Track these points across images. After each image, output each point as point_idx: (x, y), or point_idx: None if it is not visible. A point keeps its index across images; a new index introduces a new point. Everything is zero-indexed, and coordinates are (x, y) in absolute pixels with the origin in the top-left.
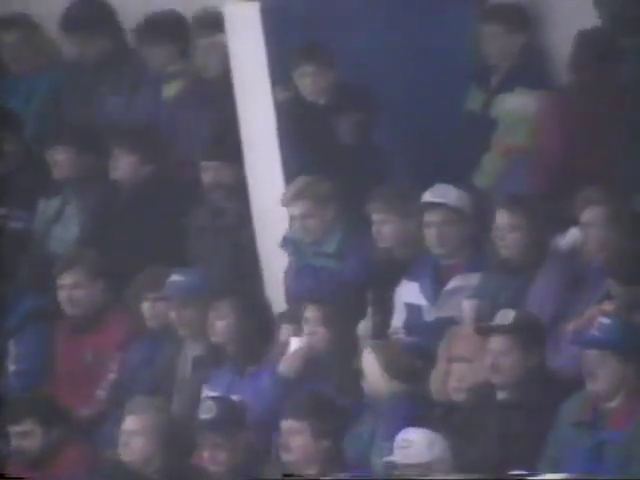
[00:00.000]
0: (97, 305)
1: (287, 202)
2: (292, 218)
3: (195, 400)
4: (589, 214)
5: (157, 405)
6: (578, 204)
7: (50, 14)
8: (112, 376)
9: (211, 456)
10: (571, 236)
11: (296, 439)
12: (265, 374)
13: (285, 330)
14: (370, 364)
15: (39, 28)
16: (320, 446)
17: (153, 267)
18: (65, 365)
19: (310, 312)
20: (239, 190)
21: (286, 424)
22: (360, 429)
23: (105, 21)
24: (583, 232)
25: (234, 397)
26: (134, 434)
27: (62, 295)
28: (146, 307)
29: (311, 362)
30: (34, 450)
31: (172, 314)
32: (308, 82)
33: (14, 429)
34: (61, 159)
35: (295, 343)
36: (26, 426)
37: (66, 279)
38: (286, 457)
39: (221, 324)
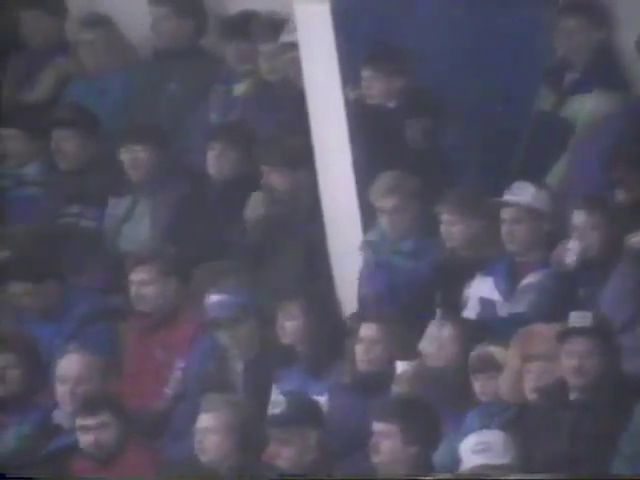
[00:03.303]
0: (169, 302)
1: (378, 196)
2: (380, 212)
3: (266, 398)
4: None
5: (231, 402)
6: None
7: (127, 13)
8: (179, 373)
9: (277, 451)
10: None
11: (386, 442)
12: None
13: (365, 329)
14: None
15: (116, 27)
16: (409, 450)
17: (218, 263)
18: (135, 363)
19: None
20: (310, 191)
21: (377, 426)
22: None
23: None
24: None
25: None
26: (209, 431)
27: (133, 291)
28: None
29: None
30: (109, 443)
31: (218, 335)
32: (377, 86)
33: (89, 421)
34: (135, 158)
35: (402, 366)
36: (102, 418)
37: (138, 276)
38: (375, 459)
39: (291, 325)
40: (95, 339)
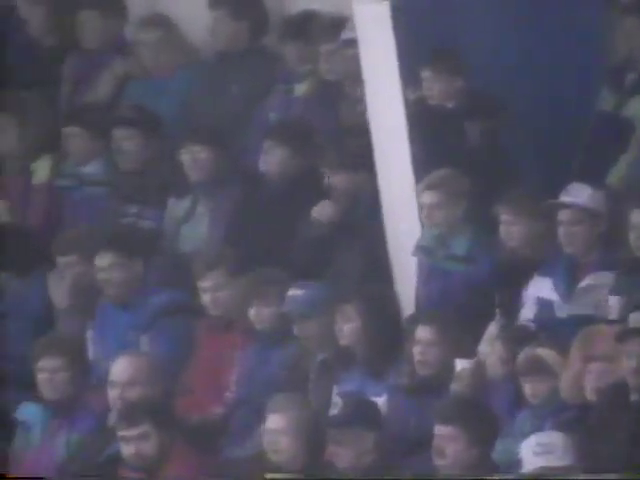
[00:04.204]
0: (238, 304)
1: (419, 191)
2: (421, 207)
3: (327, 399)
4: None
5: (299, 402)
6: None
7: (187, 15)
8: (235, 376)
9: (335, 452)
10: None
11: (449, 445)
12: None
13: (420, 331)
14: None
15: (176, 27)
16: (472, 452)
17: (265, 270)
18: (202, 363)
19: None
20: (370, 192)
21: (439, 429)
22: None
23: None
24: None
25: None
26: (279, 432)
27: (206, 298)
28: (252, 313)
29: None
30: (150, 454)
31: (294, 329)
32: (437, 86)
33: (130, 432)
34: (195, 158)
35: (460, 364)
36: (142, 429)
37: (208, 281)
38: (439, 462)
39: (348, 327)
40: (167, 333)
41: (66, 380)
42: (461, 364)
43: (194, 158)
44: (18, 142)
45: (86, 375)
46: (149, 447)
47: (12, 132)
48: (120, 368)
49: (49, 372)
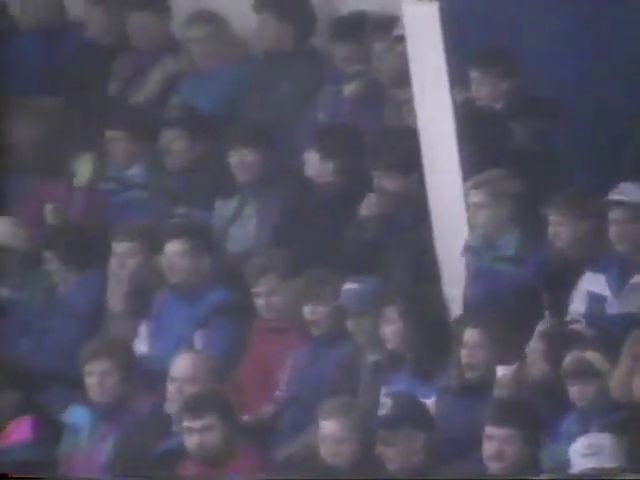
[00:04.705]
0: (292, 307)
1: (466, 190)
2: (468, 206)
3: (376, 400)
4: None
5: (351, 405)
6: None
7: (234, 10)
8: (286, 377)
9: (384, 453)
10: None
11: (502, 446)
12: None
13: (468, 334)
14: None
15: (226, 23)
16: (523, 452)
17: (316, 271)
18: (255, 362)
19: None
20: (418, 193)
21: (491, 430)
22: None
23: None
24: None
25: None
26: (336, 439)
27: (260, 302)
28: (307, 311)
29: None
30: (215, 446)
31: (348, 323)
32: (485, 87)
33: (195, 423)
34: (243, 160)
35: (501, 370)
36: (207, 420)
37: (261, 286)
38: (492, 463)
39: (390, 330)
40: (221, 332)
41: (115, 383)
42: (502, 370)
43: (242, 160)
44: (59, 143)
45: (134, 376)
46: (213, 438)
47: (53, 133)
48: (181, 364)
49: (98, 375)
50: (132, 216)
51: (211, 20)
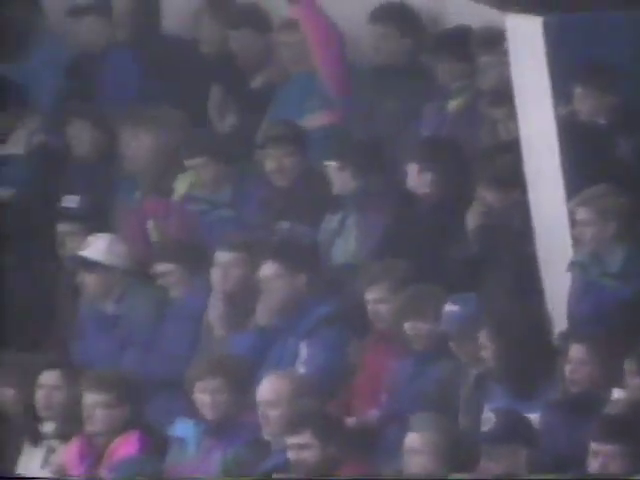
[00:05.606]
0: (396, 318)
1: (572, 208)
2: (573, 224)
3: (477, 416)
4: None
5: (441, 422)
6: None
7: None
8: (388, 389)
9: (487, 468)
10: None
11: (610, 463)
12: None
13: (573, 350)
14: None
15: None
16: (629, 470)
17: (421, 286)
18: (363, 375)
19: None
20: (521, 207)
21: (596, 447)
22: None
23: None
24: None
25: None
26: (416, 450)
27: (370, 310)
28: (408, 327)
29: None
30: (312, 463)
31: (450, 344)
32: (588, 102)
33: (292, 440)
34: (341, 175)
35: (617, 393)
36: (304, 438)
37: (372, 294)
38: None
39: (488, 351)
40: (326, 342)
41: (226, 400)
42: (617, 393)
43: (341, 173)
44: (158, 162)
45: (245, 394)
46: (310, 456)
47: (153, 151)
48: (263, 388)
49: (210, 393)
50: (222, 235)
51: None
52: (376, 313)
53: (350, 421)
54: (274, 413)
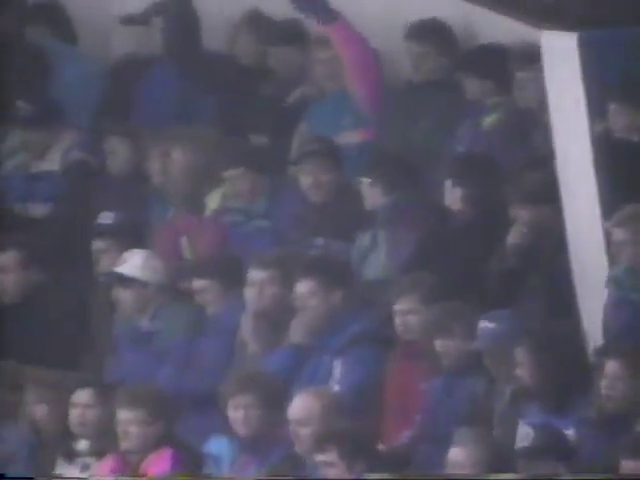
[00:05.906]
0: (426, 332)
1: (608, 228)
2: (610, 244)
3: (512, 431)
4: None
5: (481, 435)
6: None
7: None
8: (421, 406)
9: None
10: None
11: None
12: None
13: (609, 366)
14: None
15: None
16: None
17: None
18: (393, 392)
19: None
20: (555, 224)
21: (629, 464)
22: None
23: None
24: None
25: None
26: (459, 465)
27: (398, 321)
28: (439, 344)
29: None
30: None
31: (484, 360)
32: (623, 119)
33: (317, 457)
34: (372, 191)
35: None
36: (330, 457)
37: (401, 305)
38: None
39: (522, 369)
40: (359, 360)
41: (259, 416)
42: None
43: (373, 191)
44: (191, 178)
45: (278, 410)
46: (335, 473)
47: (187, 168)
48: (295, 406)
49: (244, 408)
50: (257, 247)
51: None
52: (405, 324)
53: (381, 447)
54: (304, 431)
